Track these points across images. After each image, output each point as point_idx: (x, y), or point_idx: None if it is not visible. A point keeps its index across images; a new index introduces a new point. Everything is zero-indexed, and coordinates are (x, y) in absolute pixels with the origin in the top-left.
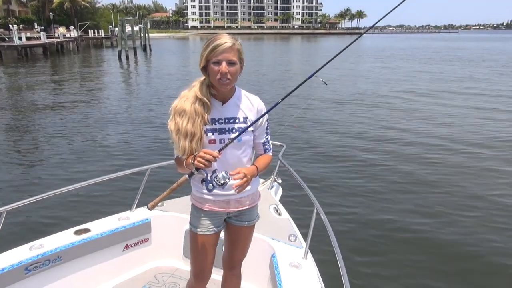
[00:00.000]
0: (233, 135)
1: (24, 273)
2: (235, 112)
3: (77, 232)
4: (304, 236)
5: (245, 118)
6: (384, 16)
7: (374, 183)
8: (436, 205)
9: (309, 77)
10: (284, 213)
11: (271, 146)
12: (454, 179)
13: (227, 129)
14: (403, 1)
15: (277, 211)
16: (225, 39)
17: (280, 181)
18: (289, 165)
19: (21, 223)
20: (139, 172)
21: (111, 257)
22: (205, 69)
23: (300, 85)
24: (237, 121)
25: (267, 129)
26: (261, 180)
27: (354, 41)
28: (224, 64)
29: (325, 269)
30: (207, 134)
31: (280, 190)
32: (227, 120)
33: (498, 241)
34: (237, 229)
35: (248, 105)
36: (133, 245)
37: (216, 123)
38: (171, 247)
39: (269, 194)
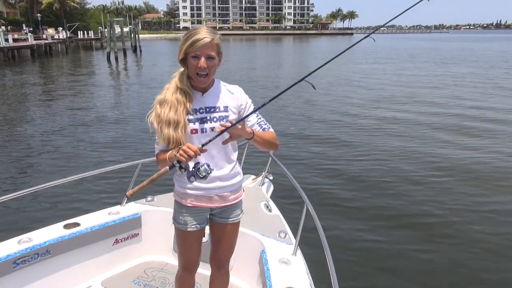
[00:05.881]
0: (214, 124)
1: (12, 266)
2: (215, 101)
3: (66, 226)
4: (294, 232)
5: (226, 107)
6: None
7: (365, 182)
8: (428, 201)
9: (299, 81)
10: (275, 210)
11: (267, 124)
12: (446, 173)
13: (208, 118)
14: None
15: (267, 207)
16: (204, 34)
17: (271, 178)
18: (281, 162)
19: (10, 216)
20: (130, 167)
21: (101, 251)
22: (184, 61)
23: (288, 88)
24: (217, 110)
25: (254, 111)
26: (252, 177)
27: (347, 49)
28: (203, 59)
29: (314, 265)
30: (189, 124)
31: (272, 187)
32: (207, 109)
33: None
34: (221, 226)
35: (228, 93)
36: (123, 239)
37: (197, 112)
38: (161, 242)
39: (260, 191)
